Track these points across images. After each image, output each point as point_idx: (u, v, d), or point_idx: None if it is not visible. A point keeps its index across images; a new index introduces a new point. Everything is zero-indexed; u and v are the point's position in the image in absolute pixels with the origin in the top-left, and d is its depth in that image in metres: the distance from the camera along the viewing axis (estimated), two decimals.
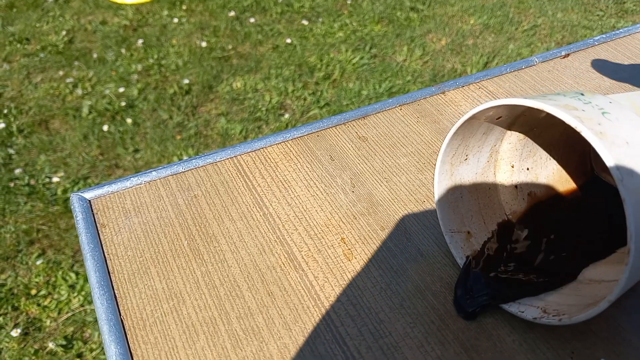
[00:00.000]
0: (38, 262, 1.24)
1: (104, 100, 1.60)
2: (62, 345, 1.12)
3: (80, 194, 0.37)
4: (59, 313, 1.18)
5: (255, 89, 1.63)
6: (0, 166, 1.39)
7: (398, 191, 0.39)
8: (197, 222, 0.36)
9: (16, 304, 1.19)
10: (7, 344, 1.13)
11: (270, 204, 0.38)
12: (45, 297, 1.20)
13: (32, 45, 1.82)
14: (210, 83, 1.66)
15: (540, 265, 0.33)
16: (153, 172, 0.39)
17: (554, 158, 0.37)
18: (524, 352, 0.30)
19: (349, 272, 0.34)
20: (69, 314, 1.17)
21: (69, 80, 1.67)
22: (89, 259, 0.33)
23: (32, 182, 1.38)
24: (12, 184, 1.37)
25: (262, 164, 0.40)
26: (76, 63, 1.74)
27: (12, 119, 1.53)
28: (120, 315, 0.31)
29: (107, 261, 0.34)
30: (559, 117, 0.24)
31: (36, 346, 1.12)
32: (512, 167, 0.36)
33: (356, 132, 0.43)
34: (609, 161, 0.23)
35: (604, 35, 0.56)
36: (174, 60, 1.77)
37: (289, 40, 1.85)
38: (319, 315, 0.31)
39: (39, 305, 1.19)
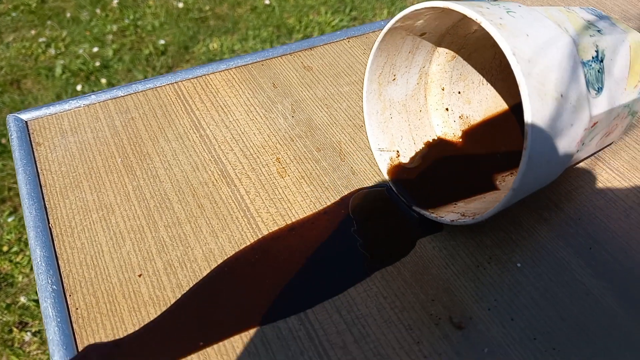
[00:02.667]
0: (10, 220, 1.24)
1: (78, 60, 1.57)
2: (34, 300, 1.13)
3: (16, 114, 0.37)
4: (31, 269, 1.18)
5: (232, 49, 1.61)
6: None
7: (337, 117, 0.39)
8: (133, 142, 0.36)
9: None
10: None
11: (208, 127, 0.38)
12: (17, 253, 1.20)
13: (3, 5, 1.77)
14: (186, 44, 1.64)
15: (465, 178, 0.34)
16: (92, 96, 0.39)
17: (488, 82, 0.38)
18: (443, 257, 0.31)
19: (281, 187, 0.34)
20: None
21: (41, 39, 1.64)
22: (21, 173, 0.33)
23: (4, 141, 1.37)
24: None
25: (203, 89, 0.40)
26: (49, 22, 1.71)
27: None
28: (48, 223, 0.31)
29: (40, 175, 0.34)
30: (460, 12, 0.25)
31: (8, 301, 1.13)
32: (443, 89, 0.36)
33: (302, 62, 0.44)
34: (506, 49, 0.24)
35: None
36: (150, 21, 1.74)
37: (267, 2, 1.83)
38: (247, 224, 0.32)
39: (10, 261, 1.19)
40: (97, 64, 1.56)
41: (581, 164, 0.37)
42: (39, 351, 1.10)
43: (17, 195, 1.27)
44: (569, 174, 0.36)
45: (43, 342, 1.10)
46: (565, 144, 0.27)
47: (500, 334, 0.28)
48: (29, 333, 1.11)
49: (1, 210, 1.26)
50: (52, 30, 1.66)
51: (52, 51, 1.59)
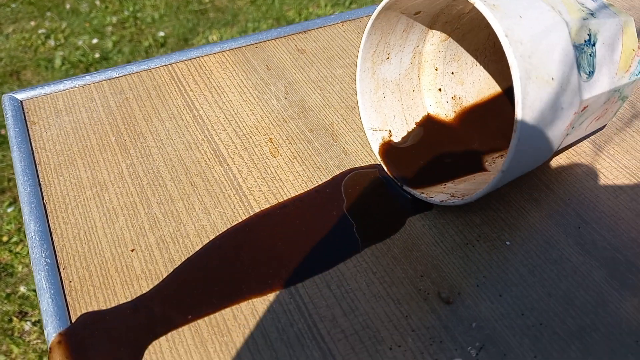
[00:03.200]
0: (9, 210, 1.25)
1: (77, 52, 1.57)
2: (33, 290, 1.13)
3: (11, 94, 0.37)
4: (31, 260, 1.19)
5: None
6: None
7: (330, 98, 0.40)
8: (127, 121, 0.37)
9: None
10: None
11: (201, 107, 0.38)
12: (16, 244, 1.21)
13: None
14: (185, 36, 1.64)
15: (456, 159, 0.35)
16: (87, 77, 0.39)
17: (481, 64, 0.38)
18: (433, 235, 0.31)
19: (273, 167, 0.35)
20: None
21: (41, 31, 1.64)
22: (16, 150, 0.34)
23: (3, 131, 1.37)
24: None
25: (197, 71, 0.41)
26: (49, 14, 1.71)
27: None
28: (43, 199, 0.32)
29: (35, 153, 0.34)
30: None
31: (8, 290, 1.14)
32: (436, 69, 0.36)
33: (295, 45, 0.44)
34: (498, 30, 0.24)
35: None
36: (150, 13, 1.74)
37: None
38: (239, 202, 0.32)
39: (10, 251, 1.19)
40: (97, 55, 1.56)
41: (572, 147, 0.37)
42: (39, 340, 1.11)
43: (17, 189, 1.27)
44: (560, 156, 0.36)
45: (43, 331, 1.11)
46: (555, 127, 0.27)
47: (489, 310, 0.28)
48: (28, 322, 1.11)
49: (1, 201, 1.26)
50: (51, 22, 1.66)
51: (51, 42, 1.59)
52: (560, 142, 0.29)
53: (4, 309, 1.14)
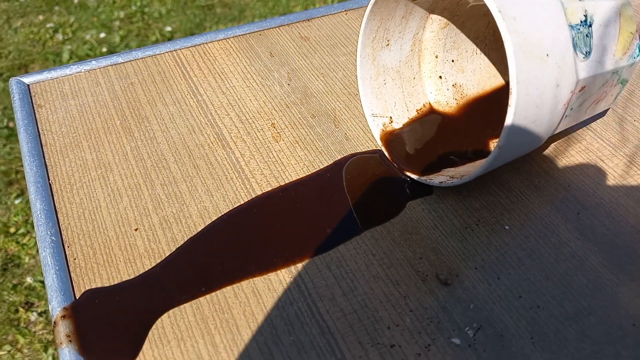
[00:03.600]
0: (17, 202, 1.26)
1: (85, 46, 1.58)
2: (40, 281, 1.15)
3: (19, 78, 0.38)
4: (37, 251, 1.20)
5: None
6: None
7: (333, 85, 0.40)
8: (131, 105, 0.37)
9: None
10: None
11: (205, 92, 0.39)
12: (24, 235, 1.22)
13: None
14: (192, 31, 1.65)
15: (456, 145, 0.35)
16: (93, 62, 0.40)
17: (482, 52, 0.38)
18: (432, 219, 0.32)
19: (275, 151, 0.35)
20: None
21: (49, 25, 1.65)
22: (22, 132, 0.34)
23: (11, 124, 1.38)
24: None
25: (201, 57, 0.41)
26: (57, 8, 1.72)
27: None
28: (48, 180, 0.32)
29: (41, 135, 0.35)
30: None
31: (15, 281, 1.15)
32: (436, 57, 0.37)
33: (299, 33, 0.44)
34: (492, 6, 0.24)
35: None
36: (157, 8, 1.75)
37: None
38: (241, 185, 0.33)
39: (17, 242, 1.21)
40: (104, 49, 1.57)
41: (573, 134, 0.37)
42: (45, 331, 1.12)
43: (25, 178, 1.29)
44: (560, 143, 0.36)
45: (48, 322, 1.12)
46: (551, 104, 0.28)
47: (486, 291, 0.29)
48: (34, 313, 1.12)
49: (9, 193, 1.28)
50: (59, 16, 1.68)
51: (59, 37, 1.60)
52: (558, 122, 0.29)
53: (11, 299, 1.15)
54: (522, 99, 0.26)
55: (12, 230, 1.23)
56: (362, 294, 0.28)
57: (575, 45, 0.28)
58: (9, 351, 1.08)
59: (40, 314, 1.13)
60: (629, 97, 0.40)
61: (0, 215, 1.25)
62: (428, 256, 0.30)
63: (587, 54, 0.29)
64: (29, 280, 1.14)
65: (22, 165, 1.30)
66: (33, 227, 1.25)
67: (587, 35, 0.29)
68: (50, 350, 1.10)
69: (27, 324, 1.12)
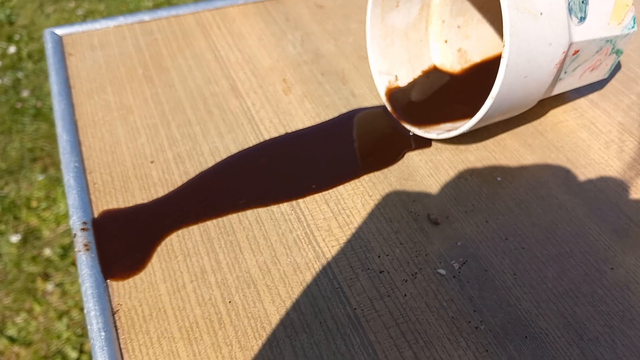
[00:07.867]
0: (40, 178, 1.30)
1: None
2: (58, 254, 1.19)
3: (52, 29, 0.41)
4: (57, 225, 1.24)
5: None
6: (10, 88, 1.45)
7: (344, 48, 0.42)
8: (154, 58, 0.40)
9: (17, 215, 1.26)
10: (7, 249, 1.20)
11: (222, 49, 0.41)
12: (45, 209, 1.26)
13: None
14: None
15: (457, 104, 0.37)
16: (121, 18, 0.42)
17: (487, 21, 0.40)
18: (429, 168, 0.34)
19: (285, 103, 0.37)
20: (67, 227, 1.23)
21: (79, 12, 1.71)
22: (53, 76, 0.37)
23: (39, 104, 1.43)
24: (19, 105, 1.42)
25: (221, 19, 0.44)
26: None
27: (22, 45, 1.57)
28: (74, 116, 0.35)
29: (69, 79, 0.38)
30: None
31: (34, 252, 1.19)
32: (443, 22, 0.39)
33: (315, 1, 0.47)
34: None
35: None
36: None
37: None
38: (251, 130, 0.35)
39: (39, 217, 1.25)
40: None
41: (569, 103, 0.39)
42: (60, 301, 1.16)
43: (49, 155, 1.33)
44: (556, 109, 0.38)
45: (64, 293, 1.16)
46: (544, 61, 0.29)
47: (474, 232, 0.31)
48: (52, 283, 1.16)
49: (33, 169, 1.32)
50: (90, 3, 1.73)
51: None
52: (551, 81, 0.31)
53: (29, 270, 1.19)
54: (514, 52, 0.27)
55: (34, 204, 1.27)
56: (357, 227, 0.30)
57: (570, 10, 0.30)
58: (25, 319, 1.12)
59: (57, 285, 1.17)
60: (627, 72, 0.41)
61: (24, 189, 1.29)
62: (421, 199, 0.32)
63: (582, 19, 0.31)
64: (47, 252, 1.19)
65: (47, 143, 1.35)
66: (54, 203, 1.29)
67: (582, 2, 0.31)
68: (65, 320, 1.14)
69: (43, 293, 1.16)
